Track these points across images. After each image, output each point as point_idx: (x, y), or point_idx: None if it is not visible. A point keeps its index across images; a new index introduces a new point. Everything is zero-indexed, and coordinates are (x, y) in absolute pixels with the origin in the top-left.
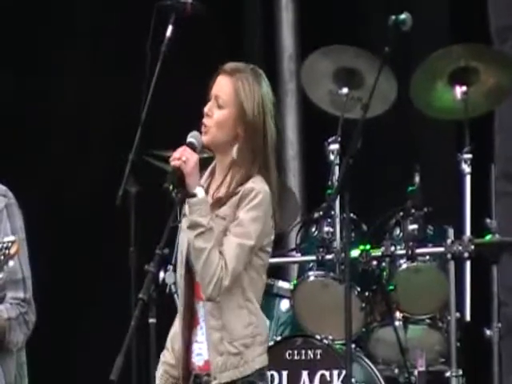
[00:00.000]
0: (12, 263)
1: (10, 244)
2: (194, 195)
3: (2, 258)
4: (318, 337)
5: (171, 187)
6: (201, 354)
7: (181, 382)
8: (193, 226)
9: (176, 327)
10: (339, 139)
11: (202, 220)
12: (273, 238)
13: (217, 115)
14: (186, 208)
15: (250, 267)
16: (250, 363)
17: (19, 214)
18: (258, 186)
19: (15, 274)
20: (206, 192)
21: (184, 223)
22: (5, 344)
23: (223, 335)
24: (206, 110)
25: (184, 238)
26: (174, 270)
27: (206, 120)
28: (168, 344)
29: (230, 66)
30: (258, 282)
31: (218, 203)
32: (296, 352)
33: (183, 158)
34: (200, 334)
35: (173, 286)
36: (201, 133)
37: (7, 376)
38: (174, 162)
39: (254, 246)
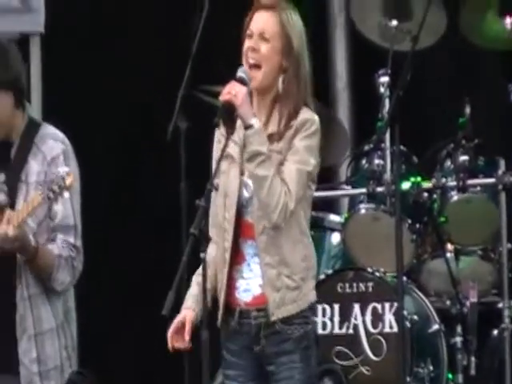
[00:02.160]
0: (67, 195)
1: (65, 174)
2: (249, 126)
3: (58, 189)
4: (369, 269)
5: (221, 122)
6: (249, 289)
7: (221, 317)
8: (253, 155)
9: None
10: (389, 71)
11: (262, 148)
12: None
13: (264, 49)
14: (231, 147)
15: (304, 199)
16: (306, 297)
17: (75, 162)
18: (310, 116)
19: (67, 220)
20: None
21: (225, 166)
22: (50, 281)
23: (280, 270)
24: (251, 45)
25: (232, 179)
26: None
27: (252, 55)
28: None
29: (265, 0)
30: (308, 213)
31: (271, 139)
32: (347, 285)
33: (232, 91)
34: (247, 271)
35: None
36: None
37: (56, 317)
38: (223, 97)
39: (311, 172)
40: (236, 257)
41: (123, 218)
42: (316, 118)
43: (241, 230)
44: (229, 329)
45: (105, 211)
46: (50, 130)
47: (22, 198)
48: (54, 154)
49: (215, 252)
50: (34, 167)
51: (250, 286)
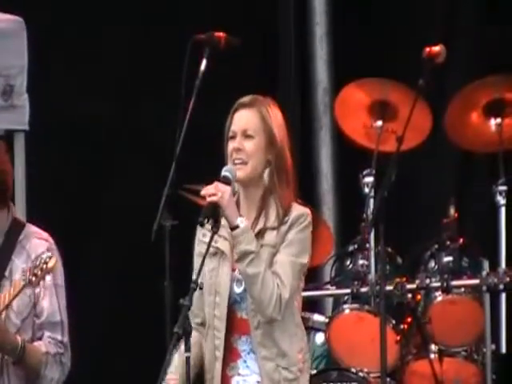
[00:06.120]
0: (49, 278)
1: (48, 259)
2: (236, 227)
3: (40, 271)
4: (353, 370)
5: (206, 221)
6: None
7: None
8: (242, 255)
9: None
10: (373, 172)
11: (251, 247)
12: None
13: (249, 146)
14: (222, 244)
15: (297, 290)
16: None
17: (59, 260)
18: (303, 210)
19: (53, 317)
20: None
21: (215, 263)
22: (39, 379)
23: (278, 362)
24: (235, 146)
25: (224, 276)
26: None
27: (238, 155)
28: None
29: (246, 99)
30: (300, 305)
31: (262, 233)
32: None
33: (218, 193)
34: (244, 368)
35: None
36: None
37: None
38: (209, 198)
39: (305, 265)
40: (229, 354)
41: (108, 317)
42: (308, 211)
43: (233, 326)
44: None
45: (91, 309)
46: (33, 229)
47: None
48: (38, 251)
49: (197, 338)
50: (19, 265)
51: (247, 382)
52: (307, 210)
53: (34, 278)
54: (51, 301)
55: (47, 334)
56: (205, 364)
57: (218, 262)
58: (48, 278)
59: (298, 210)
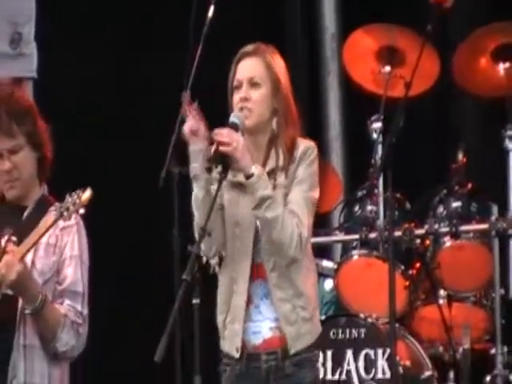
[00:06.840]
0: (83, 211)
1: (81, 192)
2: (251, 175)
3: (72, 206)
4: (361, 316)
5: (214, 167)
6: (259, 331)
7: (225, 362)
8: (260, 201)
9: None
10: (382, 117)
11: (267, 192)
12: None
13: (256, 95)
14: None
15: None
16: (317, 327)
17: (85, 235)
18: (308, 143)
19: (75, 286)
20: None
21: (232, 195)
22: (54, 341)
23: (295, 303)
24: (242, 95)
25: (245, 209)
26: None
27: (245, 104)
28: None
29: (249, 48)
30: (310, 239)
31: (273, 174)
32: (340, 331)
33: (233, 143)
34: (256, 314)
35: (216, 267)
36: None
37: (50, 378)
38: (223, 148)
39: (317, 199)
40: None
41: (115, 266)
42: (313, 144)
43: (253, 271)
44: (232, 373)
45: (96, 257)
46: None
47: (31, 256)
48: (67, 222)
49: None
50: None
51: (260, 328)
52: (313, 143)
53: (65, 212)
54: (75, 270)
55: (67, 301)
56: (219, 297)
57: (236, 194)
58: (82, 210)
59: (304, 143)
